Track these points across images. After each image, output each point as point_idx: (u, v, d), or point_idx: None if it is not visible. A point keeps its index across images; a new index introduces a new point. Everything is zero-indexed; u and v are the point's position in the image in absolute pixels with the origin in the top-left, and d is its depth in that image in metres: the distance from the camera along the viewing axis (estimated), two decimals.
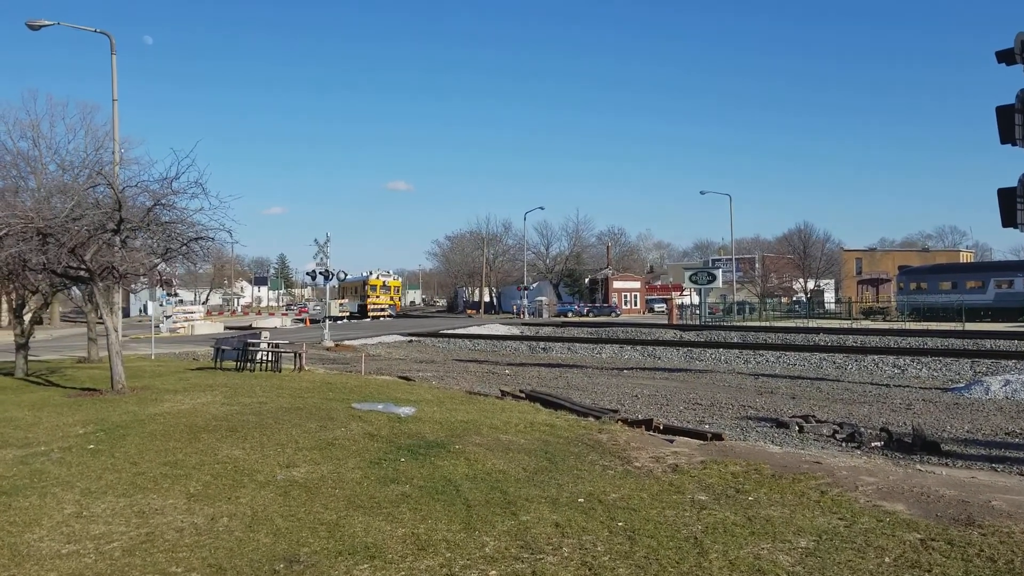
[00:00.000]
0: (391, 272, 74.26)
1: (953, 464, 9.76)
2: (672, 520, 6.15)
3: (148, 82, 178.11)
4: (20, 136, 37.38)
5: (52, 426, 10.52)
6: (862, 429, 12.05)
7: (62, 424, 10.64)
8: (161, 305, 47.46)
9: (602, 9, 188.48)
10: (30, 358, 18.14)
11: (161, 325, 45.40)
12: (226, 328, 47.66)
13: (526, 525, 6.02)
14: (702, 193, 79.24)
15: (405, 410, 11.06)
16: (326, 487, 7.20)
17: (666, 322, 49.66)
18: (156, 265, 15.20)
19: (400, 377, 18.22)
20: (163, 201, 13.43)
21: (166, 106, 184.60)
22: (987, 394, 16.53)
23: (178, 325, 47.38)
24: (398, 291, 71.06)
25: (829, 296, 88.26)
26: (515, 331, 42.63)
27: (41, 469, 8.05)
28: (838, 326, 33.92)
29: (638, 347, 30.16)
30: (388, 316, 66.63)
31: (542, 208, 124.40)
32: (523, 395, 14.35)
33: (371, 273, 70.20)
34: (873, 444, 11.19)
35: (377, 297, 67.61)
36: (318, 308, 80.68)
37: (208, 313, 60.55)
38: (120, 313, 25.79)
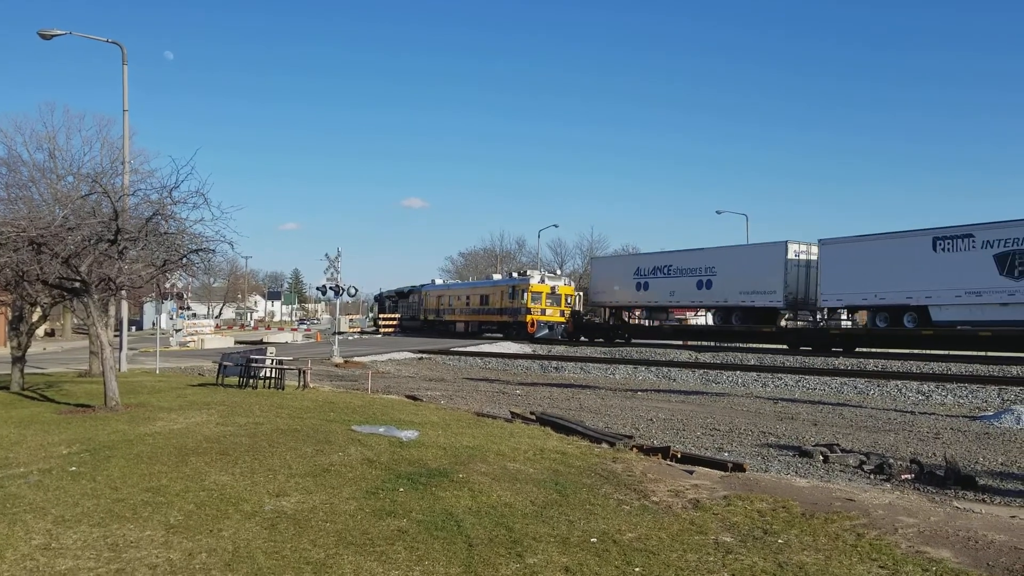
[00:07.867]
0: (559, 273, 55.63)
1: (991, 500, 9.13)
2: (694, 565, 5.56)
3: (166, 95, 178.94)
4: (36, 148, 37.38)
5: (36, 445, 10.02)
6: (891, 460, 11.39)
7: (46, 443, 10.13)
8: (172, 319, 47.35)
9: (620, 25, 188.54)
10: (36, 371, 17.68)
11: (171, 339, 45.34)
12: (236, 343, 47.32)
13: (533, 569, 5.43)
14: (718, 213, 77.99)
15: (407, 433, 10.49)
16: (316, 520, 6.63)
17: (680, 342, 48.80)
18: (154, 277, 14.74)
19: (407, 396, 17.64)
20: (162, 211, 12.97)
21: (183, 118, 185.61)
22: (1018, 423, 15.77)
23: (188, 339, 47.10)
24: (569, 301, 50.49)
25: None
26: (527, 349, 42.00)
27: (16, 493, 7.53)
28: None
29: (652, 368, 29.49)
30: (557, 335, 49.17)
31: (556, 226, 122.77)
32: (534, 417, 13.74)
33: (527, 274, 51.49)
34: (903, 477, 10.53)
35: (543, 309, 49.44)
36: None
37: (217, 327, 59.68)
38: (123, 325, 25.40)
